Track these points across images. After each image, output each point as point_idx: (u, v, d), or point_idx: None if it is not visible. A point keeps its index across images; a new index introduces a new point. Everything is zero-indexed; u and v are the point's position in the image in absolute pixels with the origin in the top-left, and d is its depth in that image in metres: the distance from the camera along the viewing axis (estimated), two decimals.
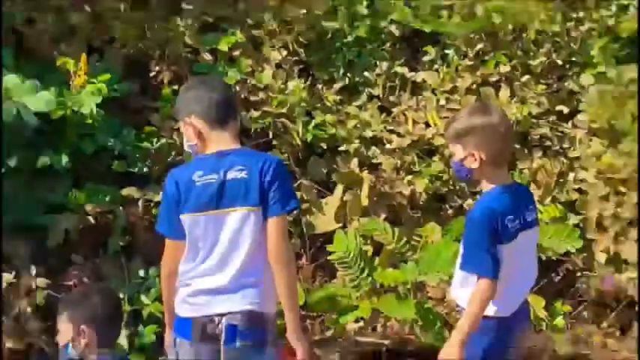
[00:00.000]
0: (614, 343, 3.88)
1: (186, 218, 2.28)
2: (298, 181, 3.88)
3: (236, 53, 4.09)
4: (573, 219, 3.82)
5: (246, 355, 2.27)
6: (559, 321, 3.72)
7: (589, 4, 4.35)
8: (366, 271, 3.63)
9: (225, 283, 2.26)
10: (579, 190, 3.91)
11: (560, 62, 4.13)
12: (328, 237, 3.81)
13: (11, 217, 3.62)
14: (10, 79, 3.52)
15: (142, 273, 3.63)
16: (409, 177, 3.94)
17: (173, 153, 3.80)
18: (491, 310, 2.38)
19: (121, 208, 3.63)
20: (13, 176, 3.56)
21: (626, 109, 3.91)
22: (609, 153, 3.83)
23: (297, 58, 4.18)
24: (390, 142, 4.06)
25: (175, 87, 3.83)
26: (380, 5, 4.22)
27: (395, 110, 4.12)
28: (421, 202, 4.03)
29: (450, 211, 4.03)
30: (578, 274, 3.96)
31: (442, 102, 4.08)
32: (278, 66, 4.07)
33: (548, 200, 3.87)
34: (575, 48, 4.27)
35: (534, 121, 4.04)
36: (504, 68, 4.13)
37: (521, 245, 2.41)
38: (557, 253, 3.69)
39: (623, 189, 3.81)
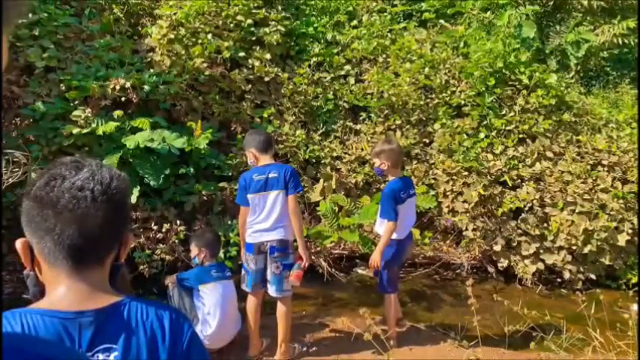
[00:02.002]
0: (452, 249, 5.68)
1: (250, 196, 3.23)
2: (302, 177, 5.27)
3: (271, 117, 5.67)
4: (432, 192, 5.58)
5: (279, 260, 3.32)
6: (427, 241, 5.48)
7: None
8: (335, 219, 5.21)
9: (269, 226, 3.27)
10: (434, 179, 5.70)
11: (424, 118, 5.79)
12: (317, 204, 5.38)
13: (170, 195, 5.04)
14: (166, 133, 4.95)
15: (229, 222, 4.96)
16: (354, 174, 5.58)
17: (243, 166, 5.15)
18: (394, 236, 3.46)
19: (219, 192, 5.08)
20: (165, 179, 4.94)
21: (458, 139, 5.67)
22: (447, 161, 5.61)
23: (300, 119, 5.78)
24: (344, 158, 5.64)
25: (242, 134, 5.18)
26: (339, 94, 5.88)
27: (347, 143, 5.82)
28: (360, 186, 5.61)
29: (373, 190, 5.61)
30: (435, 218, 5.67)
31: (369, 138, 5.76)
32: (291, 123, 5.68)
33: (420, 184, 5.55)
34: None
35: (412, 146, 5.79)
36: (397, 122, 5.88)
37: (407, 205, 3.47)
38: (424, 208, 5.40)
39: (455, 177, 5.53)
